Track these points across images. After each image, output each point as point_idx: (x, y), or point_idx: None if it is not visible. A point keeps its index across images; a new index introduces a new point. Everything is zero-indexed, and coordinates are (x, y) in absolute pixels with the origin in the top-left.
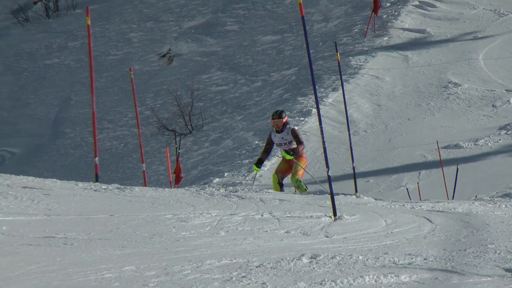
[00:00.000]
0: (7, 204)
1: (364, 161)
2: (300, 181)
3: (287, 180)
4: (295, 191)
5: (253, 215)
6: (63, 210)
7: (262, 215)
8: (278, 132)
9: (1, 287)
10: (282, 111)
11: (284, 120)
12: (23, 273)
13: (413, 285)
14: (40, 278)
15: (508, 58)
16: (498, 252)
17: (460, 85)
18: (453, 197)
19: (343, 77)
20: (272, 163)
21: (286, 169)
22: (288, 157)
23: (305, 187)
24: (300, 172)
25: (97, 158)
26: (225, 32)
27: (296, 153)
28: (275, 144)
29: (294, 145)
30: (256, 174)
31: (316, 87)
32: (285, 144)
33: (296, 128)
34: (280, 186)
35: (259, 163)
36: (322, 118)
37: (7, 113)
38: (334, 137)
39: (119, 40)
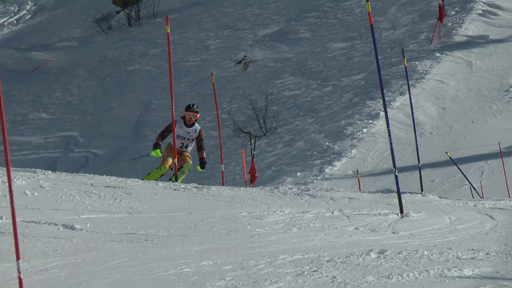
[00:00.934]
0: (91, 202)
1: (430, 162)
2: (189, 169)
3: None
4: (173, 178)
5: (324, 212)
6: (144, 208)
7: (332, 213)
8: (187, 125)
9: (86, 281)
10: (197, 106)
11: (198, 116)
12: (107, 268)
13: (476, 279)
14: (122, 273)
15: None
16: None
17: None
18: None
19: (410, 82)
20: None
21: (178, 159)
22: (200, 169)
23: (183, 177)
24: (188, 158)
25: (175, 159)
26: (298, 39)
27: (203, 163)
28: (175, 135)
29: (191, 145)
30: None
31: (384, 91)
32: (186, 139)
33: (201, 130)
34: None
35: (158, 147)
36: (389, 120)
37: (91, 116)
38: (401, 138)
39: (197, 47)
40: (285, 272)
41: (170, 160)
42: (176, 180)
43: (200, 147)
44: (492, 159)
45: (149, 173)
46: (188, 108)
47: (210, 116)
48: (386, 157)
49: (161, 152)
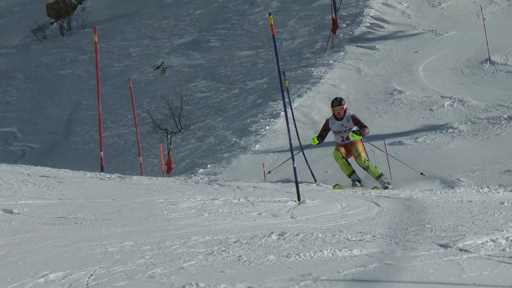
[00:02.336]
0: (27, 190)
1: (323, 155)
2: (368, 160)
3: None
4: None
5: (231, 199)
6: (74, 195)
7: (238, 200)
8: (338, 119)
9: (23, 258)
10: (341, 98)
11: (344, 107)
12: (41, 247)
13: (363, 258)
14: (54, 251)
15: (443, 70)
16: (433, 230)
17: (403, 92)
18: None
19: (307, 86)
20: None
21: (345, 150)
22: (356, 137)
23: (374, 166)
24: (363, 153)
25: (102, 152)
26: (209, 48)
27: (362, 135)
28: (333, 132)
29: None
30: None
31: (284, 93)
32: (344, 131)
33: (355, 114)
34: (347, 161)
35: (319, 139)
36: (288, 119)
37: (27, 114)
38: (299, 134)
39: (120, 54)
40: (197, 251)
41: (338, 152)
42: (373, 177)
43: (361, 126)
44: (378, 153)
45: (341, 169)
46: (333, 104)
47: (132, 115)
48: (286, 151)
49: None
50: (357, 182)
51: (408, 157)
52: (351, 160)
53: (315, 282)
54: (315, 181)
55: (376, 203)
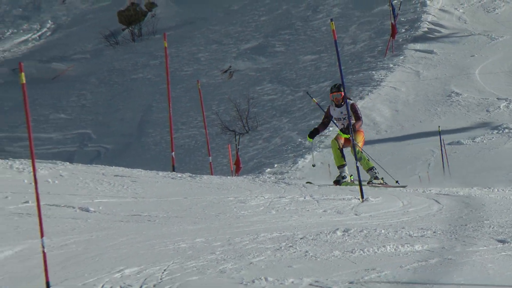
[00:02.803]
0: (102, 189)
1: (385, 155)
2: (361, 152)
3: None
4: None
5: (297, 197)
6: (147, 194)
7: (304, 198)
8: (337, 106)
9: (99, 255)
10: (340, 85)
11: (343, 94)
12: (117, 244)
13: (425, 253)
14: (129, 248)
15: (498, 73)
16: (492, 226)
17: (460, 94)
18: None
19: (368, 88)
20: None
21: (344, 139)
22: (345, 135)
23: (367, 159)
24: (360, 143)
25: (173, 153)
26: (274, 52)
27: (354, 130)
28: (333, 118)
29: (352, 120)
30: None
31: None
32: (344, 119)
33: (356, 103)
34: (341, 152)
35: (313, 134)
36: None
37: (102, 117)
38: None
39: (189, 59)
40: (266, 247)
41: (335, 141)
42: (364, 169)
43: (356, 117)
44: (437, 152)
45: (334, 158)
46: (331, 90)
47: (201, 117)
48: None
49: (312, 137)
50: (341, 178)
51: (466, 157)
52: (347, 154)
53: (379, 276)
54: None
55: (436, 201)
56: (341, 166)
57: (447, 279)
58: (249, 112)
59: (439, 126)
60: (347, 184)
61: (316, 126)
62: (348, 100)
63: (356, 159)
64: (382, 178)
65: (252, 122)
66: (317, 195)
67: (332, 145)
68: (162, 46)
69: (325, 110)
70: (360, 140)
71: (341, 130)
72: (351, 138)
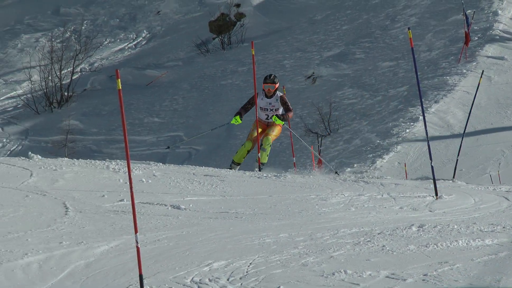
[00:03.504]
0: (193, 187)
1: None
2: (270, 145)
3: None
4: (258, 157)
5: (375, 195)
6: (234, 192)
7: (382, 195)
8: (267, 96)
9: (189, 249)
10: (275, 76)
11: (276, 86)
12: (205, 239)
13: (494, 247)
14: (217, 243)
15: None
16: None
17: None
18: None
19: (443, 93)
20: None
21: (259, 135)
22: (279, 121)
23: (267, 154)
24: (273, 137)
25: (259, 154)
26: (355, 59)
27: (286, 119)
28: (259, 108)
29: (279, 113)
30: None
31: (422, 100)
32: (270, 110)
33: (284, 95)
34: (247, 154)
35: (240, 115)
36: (426, 123)
37: (192, 120)
38: (435, 137)
39: (275, 66)
40: (345, 242)
41: (254, 134)
42: (260, 160)
43: (286, 110)
44: (508, 153)
45: (236, 152)
46: (265, 80)
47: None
48: (424, 151)
49: (241, 119)
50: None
51: None
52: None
53: (451, 269)
54: (453, 177)
55: (506, 198)
56: (237, 165)
57: None
58: (331, 115)
59: None
60: None
61: (239, 110)
62: (277, 92)
63: (258, 149)
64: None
65: (334, 124)
66: (394, 193)
67: (246, 145)
68: (250, 54)
69: (251, 97)
70: (277, 134)
71: (276, 116)
72: (284, 125)
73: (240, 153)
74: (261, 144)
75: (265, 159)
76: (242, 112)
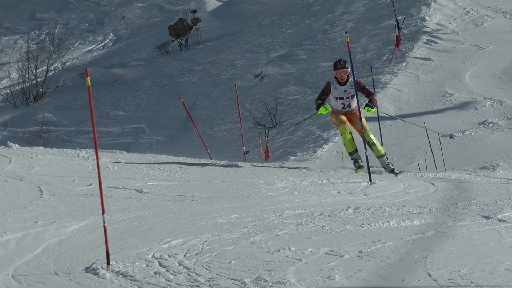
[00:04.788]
0: (154, 174)
1: (389, 145)
2: (373, 135)
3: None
4: (367, 148)
5: (316, 181)
6: (191, 178)
7: (322, 181)
8: (340, 84)
9: (151, 228)
10: (345, 60)
11: (349, 70)
12: (165, 219)
13: (422, 227)
14: (176, 223)
15: (485, 77)
16: (478, 205)
17: (453, 95)
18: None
19: (376, 89)
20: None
21: (348, 119)
22: (373, 110)
23: (380, 144)
24: (366, 124)
25: (208, 151)
26: (298, 60)
27: (375, 105)
28: (333, 98)
29: (354, 101)
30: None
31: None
32: (346, 98)
33: (360, 79)
34: (352, 137)
35: (321, 105)
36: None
37: (153, 113)
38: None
39: (228, 65)
40: (289, 222)
41: (343, 118)
42: (376, 155)
43: (367, 93)
44: (433, 143)
45: (345, 145)
46: (336, 66)
47: (236, 113)
48: (360, 142)
49: (327, 107)
50: (360, 162)
51: (457, 147)
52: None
53: (383, 247)
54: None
55: (432, 183)
56: (353, 152)
57: (440, 249)
58: (277, 109)
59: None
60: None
61: (319, 102)
62: (351, 78)
63: (368, 145)
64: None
65: (279, 118)
66: (332, 179)
67: (343, 131)
68: (205, 55)
69: (324, 86)
70: (365, 120)
71: (367, 105)
72: (361, 122)
73: (347, 142)
74: (367, 142)
75: (381, 151)
76: (318, 104)
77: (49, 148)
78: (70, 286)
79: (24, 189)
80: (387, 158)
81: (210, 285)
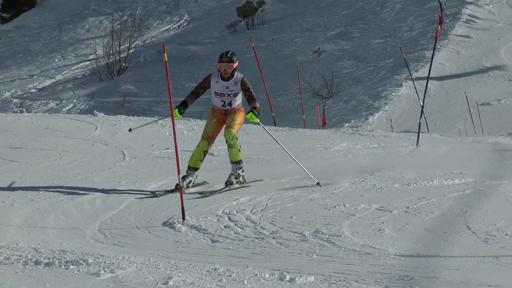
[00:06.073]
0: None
1: (433, 113)
2: (236, 138)
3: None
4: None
5: (368, 144)
6: (256, 141)
7: (373, 145)
8: (224, 79)
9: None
10: (233, 53)
11: (234, 66)
12: None
13: (462, 186)
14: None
15: None
16: None
17: (489, 68)
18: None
19: (420, 64)
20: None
21: (216, 130)
22: (256, 119)
23: (239, 149)
24: (237, 126)
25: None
26: (352, 37)
27: (257, 114)
28: (213, 93)
29: (238, 100)
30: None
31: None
32: (228, 95)
33: (245, 78)
34: (204, 155)
35: (183, 107)
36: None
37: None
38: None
39: (289, 42)
40: (347, 179)
41: (210, 130)
42: (230, 158)
43: (250, 98)
44: (473, 112)
45: (192, 154)
46: (221, 57)
47: (297, 85)
48: (407, 110)
49: (180, 113)
50: (187, 179)
51: (494, 114)
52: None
53: (428, 203)
54: (428, 131)
55: (471, 148)
56: (194, 169)
57: (479, 205)
58: (333, 81)
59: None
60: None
61: (184, 99)
62: (237, 74)
63: (227, 145)
64: (243, 175)
65: (335, 89)
66: (383, 143)
67: (201, 145)
68: (269, 33)
69: (204, 78)
70: (240, 121)
71: (252, 111)
72: (261, 124)
73: (195, 155)
74: (226, 141)
75: (237, 156)
76: (189, 100)
77: (131, 116)
78: (150, 238)
79: (109, 152)
80: (238, 168)
81: (274, 237)
